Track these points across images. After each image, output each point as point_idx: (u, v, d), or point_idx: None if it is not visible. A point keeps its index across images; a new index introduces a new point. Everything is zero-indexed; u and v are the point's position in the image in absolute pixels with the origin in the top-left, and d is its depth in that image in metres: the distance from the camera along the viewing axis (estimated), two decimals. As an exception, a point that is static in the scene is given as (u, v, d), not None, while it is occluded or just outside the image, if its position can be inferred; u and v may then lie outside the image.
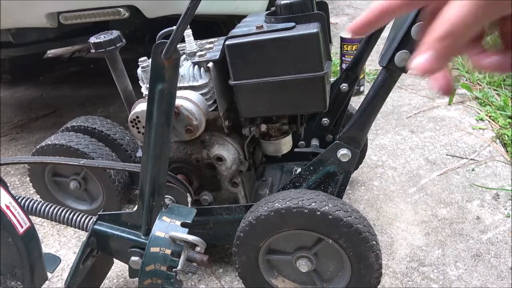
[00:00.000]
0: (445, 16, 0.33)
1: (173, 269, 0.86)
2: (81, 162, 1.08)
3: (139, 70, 1.04)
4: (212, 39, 1.13)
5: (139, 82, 1.05)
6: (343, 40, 2.13)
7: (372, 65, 2.49)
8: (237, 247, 0.97)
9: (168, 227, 0.88)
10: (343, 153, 0.91)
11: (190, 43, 1.01)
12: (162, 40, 0.77)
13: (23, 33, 1.81)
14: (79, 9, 1.40)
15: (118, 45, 1.10)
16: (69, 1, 1.38)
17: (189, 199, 1.04)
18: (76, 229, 1.11)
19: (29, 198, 1.03)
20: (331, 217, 0.86)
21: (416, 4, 0.39)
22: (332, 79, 1.25)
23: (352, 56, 1.39)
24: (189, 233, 0.87)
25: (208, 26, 2.59)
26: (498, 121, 1.82)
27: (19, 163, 1.12)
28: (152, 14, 1.43)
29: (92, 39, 1.08)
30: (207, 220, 1.08)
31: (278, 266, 1.03)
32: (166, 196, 1.04)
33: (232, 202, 1.12)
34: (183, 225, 0.88)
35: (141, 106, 1.00)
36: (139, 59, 1.03)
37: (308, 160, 1.28)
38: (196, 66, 0.98)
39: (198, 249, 0.88)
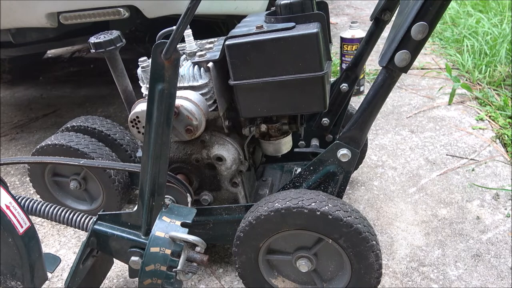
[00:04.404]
0: None
1: (173, 269, 0.86)
2: (81, 162, 1.08)
3: (139, 70, 1.04)
4: (212, 39, 1.13)
5: (139, 82, 1.05)
6: (343, 40, 2.13)
7: (372, 65, 2.49)
8: (237, 247, 0.97)
9: (168, 227, 0.88)
10: (343, 153, 0.91)
11: (190, 43, 1.01)
12: (162, 40, 0.77)
13: (23, 33, 1.81)
14: (79, 9, 1.40)
15: (118, 45, 1.10)
16: (69, 1, 1.38)
17: (189, 199, 1.04)
18: (76, 229, 1.11)
19: (29, 198, 1.03)
20: (331, 217, 0.86)
21: None
22: (332, 79, 1.25)
23: (352, 56, 1.38)
24: (189, 233, 0.87)
25: (208, 26, 2.60)
26: (498, 121, 1.82)
27: (19, 163, 1.12)
28: (152, 14, 1.43)
29: (92, 39, 1.08)
30: (207, 220, 1.08)
31: (278, 266, 1.03)
32: (166, 196, 1.04)
33: (232, 202, 1.12)
34: (183, 225, 0.89)
35: (141, 106, 1.00)
36: (139, 59, 1.04)
37: (308, 160, 1.28)
38: (196, 66, 0.98)
39: (198, 249, 0.88)
